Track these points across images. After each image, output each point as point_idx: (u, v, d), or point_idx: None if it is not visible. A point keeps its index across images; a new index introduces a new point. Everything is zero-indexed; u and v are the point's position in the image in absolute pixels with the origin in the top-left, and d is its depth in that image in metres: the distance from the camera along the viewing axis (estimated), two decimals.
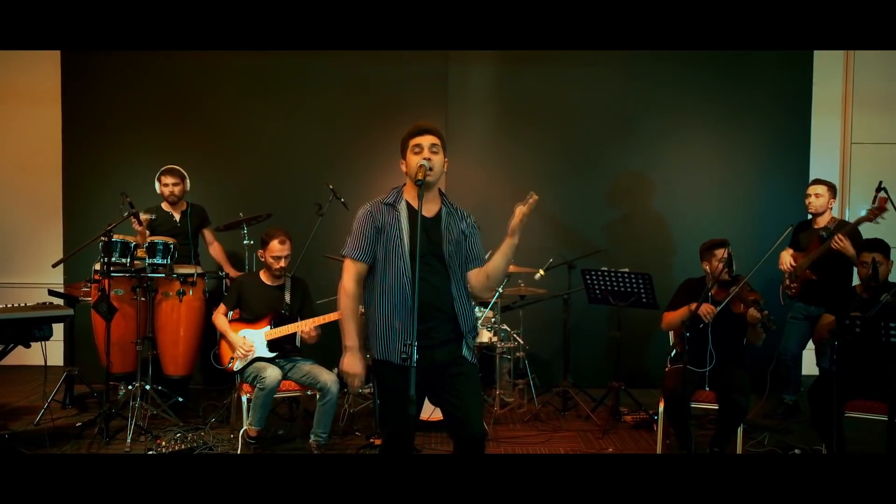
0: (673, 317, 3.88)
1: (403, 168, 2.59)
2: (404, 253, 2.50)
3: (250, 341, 3.89)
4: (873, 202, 4.15)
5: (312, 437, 3.80)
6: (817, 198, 4.49)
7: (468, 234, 2.63)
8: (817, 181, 4.57)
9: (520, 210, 2.44)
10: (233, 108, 5.66)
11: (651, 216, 5.69)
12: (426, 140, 2.51)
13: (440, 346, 2.51)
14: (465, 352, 2.58)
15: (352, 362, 2.56)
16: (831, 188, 4.52)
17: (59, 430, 4.18)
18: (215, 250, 5.09)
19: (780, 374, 4.76)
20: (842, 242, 4.17)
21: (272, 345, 3.91)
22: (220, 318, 4.01)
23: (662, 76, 5.63)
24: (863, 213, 4.20)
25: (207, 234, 5.07)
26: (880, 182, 4.22)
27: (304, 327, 3.89)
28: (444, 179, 2.67)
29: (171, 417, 4.37)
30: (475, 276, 2.62)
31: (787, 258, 4.53)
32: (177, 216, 4.86)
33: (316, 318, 3.90)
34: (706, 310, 3.65)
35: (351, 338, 2.57)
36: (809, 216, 4.60)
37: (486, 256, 2.66)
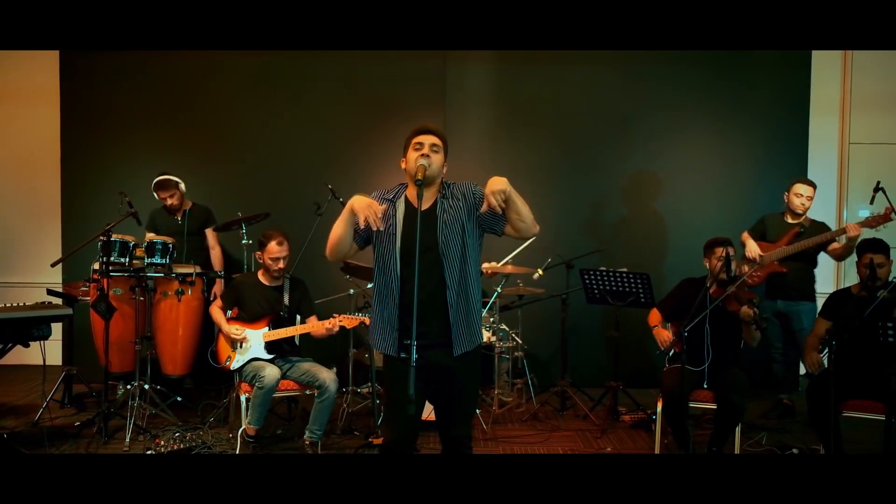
0: (655, 321, 4.05)
1: (403, 165, 2.60)
2: (396, 249, 2.51)
3: (242, 330, 3.90)
4: (871, 202, 4.17)
5: (307, 433, 3.80)
6: (809, 200, 4.52)
7: (475, 204, 2.54)
8: (808, 182, 4.57)
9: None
10: (231, 108, 5.65)
11: (650, 216, 5.70)
12: (428, 139, 2.53)
13: (436, 346, 2.48)
14: (460, 351, 2.52)
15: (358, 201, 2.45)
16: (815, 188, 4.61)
17: (58, 429, 4.18)
18: (215, 255, 5.07)
19: (774, 374, 4.77)
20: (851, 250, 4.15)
21: (270, 346, 3.91)
22: (217, 311, 4.03)
23: (661, 76, 5.63)
24: (863, 214, 4.21)
25: (210, 236, 5.06)
26: (878, 182, 4.24)
27: (309, 329, 3.89)
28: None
29: (170, 417, 4.38)
30: (510, 231, 2.57)
31: (754, 247, 4.49)
32: (178, 216, 4.93)
33: (321, 322, 3.88)
34: (663, 337, 3.91)
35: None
36: (789, 212, 4.61)
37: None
